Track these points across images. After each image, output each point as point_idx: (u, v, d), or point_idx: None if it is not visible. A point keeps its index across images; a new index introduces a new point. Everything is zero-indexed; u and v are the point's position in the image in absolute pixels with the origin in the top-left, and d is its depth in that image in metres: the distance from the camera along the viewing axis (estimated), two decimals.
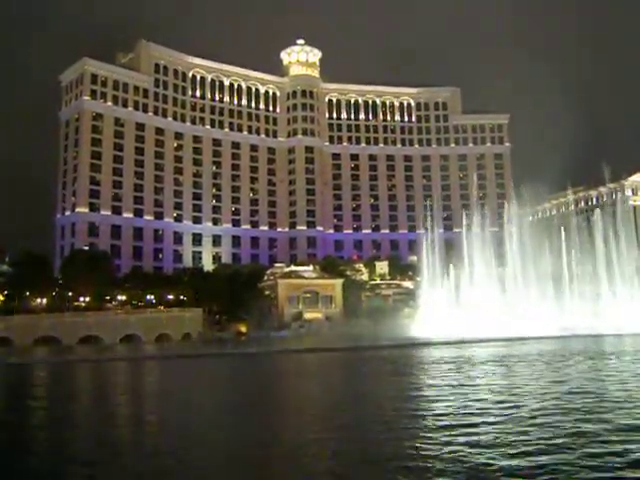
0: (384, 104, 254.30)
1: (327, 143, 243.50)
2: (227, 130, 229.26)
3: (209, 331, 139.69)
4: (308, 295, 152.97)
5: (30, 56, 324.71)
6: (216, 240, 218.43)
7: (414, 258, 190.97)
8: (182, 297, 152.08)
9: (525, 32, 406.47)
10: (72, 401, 29.08)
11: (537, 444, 15.32)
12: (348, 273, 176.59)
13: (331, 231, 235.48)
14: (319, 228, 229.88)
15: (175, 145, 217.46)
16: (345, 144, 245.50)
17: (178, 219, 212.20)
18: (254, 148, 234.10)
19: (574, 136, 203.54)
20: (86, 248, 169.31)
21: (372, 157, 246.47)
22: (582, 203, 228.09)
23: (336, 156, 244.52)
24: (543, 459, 13.93)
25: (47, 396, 32.43)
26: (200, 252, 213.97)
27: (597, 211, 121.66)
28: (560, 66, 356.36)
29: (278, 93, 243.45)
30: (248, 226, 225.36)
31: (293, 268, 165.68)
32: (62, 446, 18.06)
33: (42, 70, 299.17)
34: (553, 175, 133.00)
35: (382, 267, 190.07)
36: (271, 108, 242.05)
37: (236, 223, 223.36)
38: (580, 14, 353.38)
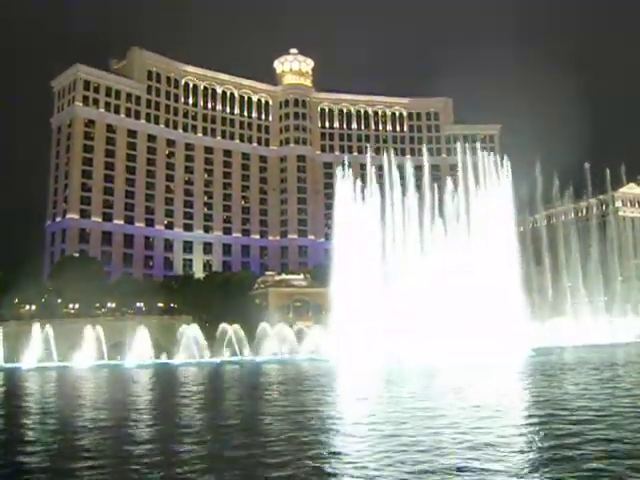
0: (376, 114, 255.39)
1: (319, 152, 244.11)
2: (219, 138, 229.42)
3: None
4: (299, 304, 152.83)
5: (23, 61, 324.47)
6: (207, 248, 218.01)
7: None
8: (172, 304, 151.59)
9: (521, 38, 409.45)
10: None
11: None
12: None
13: (322, 240, 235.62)
14: (310, 237, 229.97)
15: (167, 152, 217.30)
16: (337, 153, 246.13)
17: (169, 226, 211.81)
18: (246, 156, 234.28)
19: (566, 147, 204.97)
20: (76, 255, 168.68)
21: (363, 167, 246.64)
22: (572, 214, 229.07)
23: (328, 165, 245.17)
24: None
25: None
26: (191, 260, 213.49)
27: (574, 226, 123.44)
28: (553, 78, 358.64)
29: (271, 102, 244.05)
30: (239, 234, 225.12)
31: (284, 277, 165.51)
32: None
33: (34, 75, 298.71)
34: (544, 186, 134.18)
35: None
36: (263, 116, 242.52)
37: (227, 231, 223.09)
38: (580, 14, 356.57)
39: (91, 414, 28.53)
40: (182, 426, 23.73)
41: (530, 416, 23.39)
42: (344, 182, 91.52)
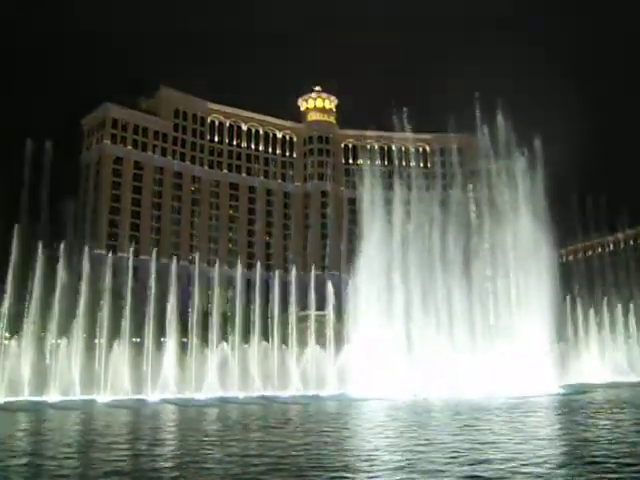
0: (400, 150, 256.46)
1: (343, 188, 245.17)
2: (244, 175, 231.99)
3: None
4: (322, 339, 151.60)
5: (53, 99, 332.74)
6: (231, 283, 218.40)
7: None
8: (195, 340, 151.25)
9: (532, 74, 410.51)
10: None
11: None
12: None
13: (346, 275, 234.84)
14: (334, 272, 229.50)
15: (192, 189, 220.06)
16: (361, 189, 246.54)
17: (193, 261, 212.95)
18: (270, 192, 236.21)
19: (591, 180, 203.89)
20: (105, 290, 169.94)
21: (389, 202, 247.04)
22: (599, 248, 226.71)
23: (351, 201, 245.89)
24: None
25: None
26: (214, 295, 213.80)
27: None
28: (576, 106, 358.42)
29: (295, 138, 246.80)
30: (263, 270, 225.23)
31: (307, 312, 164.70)
32: None
33: (65, 113, 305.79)
34: (570, 220, 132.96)
35: None
36: (287, 153, 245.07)
37: (251, 266, 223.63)
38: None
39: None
40: None
41: None
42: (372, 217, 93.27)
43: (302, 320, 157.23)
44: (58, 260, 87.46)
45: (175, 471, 21.48)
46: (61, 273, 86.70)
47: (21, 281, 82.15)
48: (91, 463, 23.93)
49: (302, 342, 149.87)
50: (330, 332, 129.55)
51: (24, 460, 24.90)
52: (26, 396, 73.98)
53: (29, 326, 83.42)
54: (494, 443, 27.36)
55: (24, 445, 31.36)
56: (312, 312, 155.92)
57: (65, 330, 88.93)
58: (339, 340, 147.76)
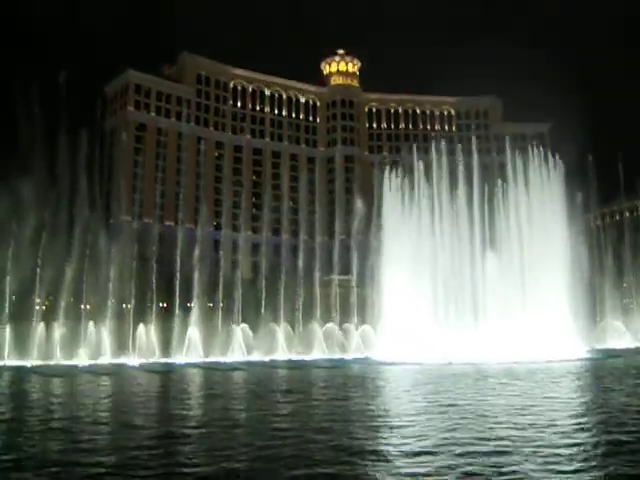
0: (424, 113, 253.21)
1: (367, 153, 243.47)
2: (268, 140, 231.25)
3: None
4: (347, 304, 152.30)
5: (77, 67, 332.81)
6: (255, 249, 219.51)
7: None
8: (221, 305, 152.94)
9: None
10: None
11: None
12: None
13: (371, 240, 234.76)
14: (359, 237, 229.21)
15: (216, 154, 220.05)
16: (385, 153, 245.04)
17: (218, 227, 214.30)
18: (294, 157, 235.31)
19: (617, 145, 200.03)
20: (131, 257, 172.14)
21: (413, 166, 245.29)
22: (627, 213, 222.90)
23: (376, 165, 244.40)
24: None
25: None
26: (239, 260, 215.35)
27: None
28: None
29: (318, 103, 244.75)
30: (288, 235, 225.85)
31: (332, 277, 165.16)
32: None
33: (89, 81, 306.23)
34: (597, 185, 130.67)
35: None
36: (311, 118, 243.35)
37: (276, 232, 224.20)
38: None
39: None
40: None
41: None
42: (391, 183, 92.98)
43: (326, 285, 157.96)
44: (86, 227, 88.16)
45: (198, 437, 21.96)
46: (89, 240, 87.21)
47: (52, 249, 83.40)
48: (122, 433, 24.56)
49: (326, 306, 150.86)
50: (354, 296, 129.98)
51: (59, 425, 25.71)
52: (58, 360, 75.74)
53: (60, 292, 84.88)
54: (523, 407, 27.51)
55: (64, 410, 32.24)
56: (336, 276, 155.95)
57: (95, 296, 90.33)
58: (362, 304, 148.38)
